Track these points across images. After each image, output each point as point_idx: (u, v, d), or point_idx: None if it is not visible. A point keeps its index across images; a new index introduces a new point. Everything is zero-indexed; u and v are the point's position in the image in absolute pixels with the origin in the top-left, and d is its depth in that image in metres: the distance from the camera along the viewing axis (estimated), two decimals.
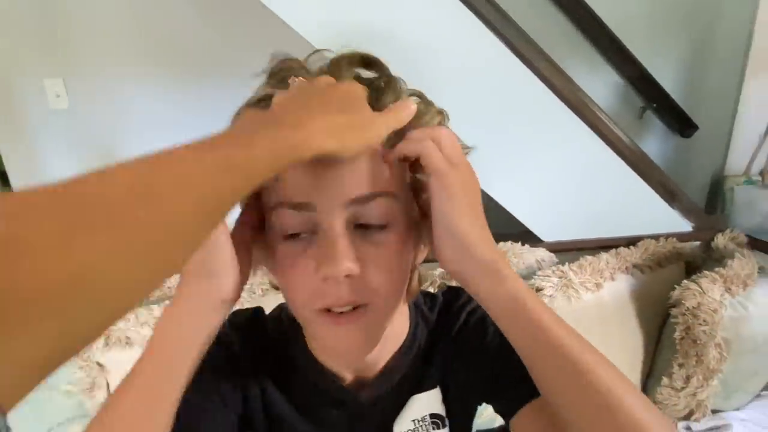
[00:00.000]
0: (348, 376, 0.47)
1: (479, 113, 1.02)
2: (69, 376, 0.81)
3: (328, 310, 0.37)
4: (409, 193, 0.38)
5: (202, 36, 1.79)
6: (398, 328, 0.47)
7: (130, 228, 0.19)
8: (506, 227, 1.17)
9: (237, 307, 0.40)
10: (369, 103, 0.34)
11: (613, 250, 1.01)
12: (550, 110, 1.06)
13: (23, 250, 0.16)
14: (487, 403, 0.48)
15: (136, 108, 1.83)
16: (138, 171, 0.21)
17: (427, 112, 0.39)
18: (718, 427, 0.92)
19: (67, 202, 0.18)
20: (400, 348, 0.47)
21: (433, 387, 0.48)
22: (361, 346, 0.39)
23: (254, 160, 0.25)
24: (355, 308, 0.37)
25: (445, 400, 0.48)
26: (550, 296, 0.88)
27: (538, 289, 0.89)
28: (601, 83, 2.00)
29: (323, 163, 0.32)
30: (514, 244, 1.02)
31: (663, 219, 1.16)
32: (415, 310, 0.50)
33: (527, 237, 1.10)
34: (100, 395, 0.81)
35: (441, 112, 0.40)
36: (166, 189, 0.21)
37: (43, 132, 1.93)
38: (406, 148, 0.35)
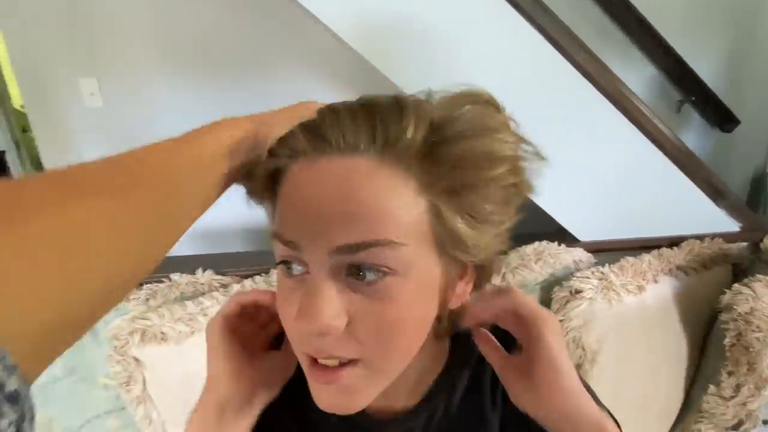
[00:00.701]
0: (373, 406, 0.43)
1: (511, 105, 0.99)
2: (106, 369, 0.83)
3: (315, 359, 0.33)
4: (430, 240, 0.33)
5: (230, 37, 1.81)
6: (432, 358, 0.44)
7: (107, 197, 0.23)
8: (539, 226, 1.13)
9: None
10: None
11: (656, 251, 0.97)
12: (586, 102, 1.02)
13: (33, 209, 0.19)
14: None
15: (166, 106, 1.87)
16: (107, 159, 0.26)
17: (491, 116, 0.34)
18: None
19: (61, 179, 0.23)
20: (437, 379, 0.44)
21: None
22: (348, 406, 0.35)
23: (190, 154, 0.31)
24: (343, 363, 0.33)
25: None
26: (590, 299, 0.85)
27: (577, 291, 0.85)
28: (636, 76, 1.93)
29: (311, 204, 0.31)
30: (550, 243, 0.98)
31: (708, 218, 1.10)
32: (456, 335, 0.45)
33: (562, 236, 1.06)
34: (136, 389, 0.82)
35: (502, 113, 0.36)
36: (135, 168, 0.26)
37: (79, 129, 1.99)
38: (496, 305, 0.37)
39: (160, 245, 0.27)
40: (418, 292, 0.33)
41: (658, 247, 0.99)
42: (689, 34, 1.91)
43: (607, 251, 1.02)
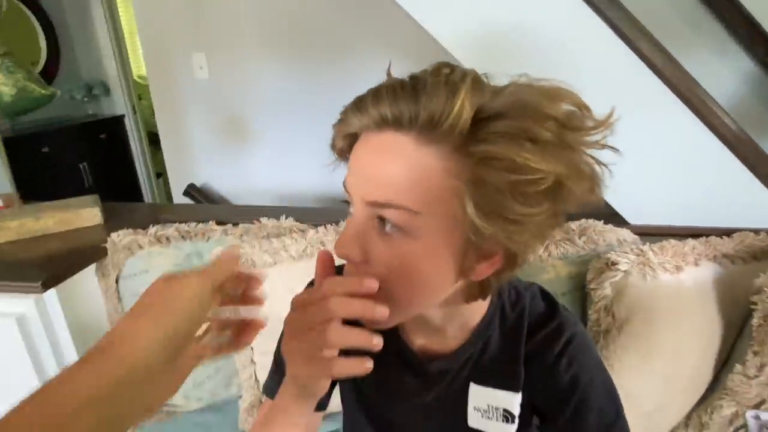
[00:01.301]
0: (418, 343, 0.55)
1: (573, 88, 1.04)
2: None
3: None
4: (448, 218, 0.39)
5: (324, 21, 1.98)
6: (471, 312, 0.52)
7: None
8: (593, 208, 1.17)
9: None
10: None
11: (703, 238, 0.99)
12: (648, 90, 1.05)
13: None
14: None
15: (265, 80, 2.09)
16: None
17: (539, 129, 0.37)
18: None
19: None
20: (474, 332, 0.53)
21: (516, 390, 0.52)
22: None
23: None
24: None
25: (522, 407, 0.53)
26: (625, 271, 0.90)
27: (613, 264, 0.91)
28: (730, 68, 1.83)
29: (360, 166, 0.41)
30: (596, 221, 1.03)
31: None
32: (498, 299, 0.54)
33: (613, 220, 1.10)
34: None
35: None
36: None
37: (188, 98, 2.27)
38: None
39: None
40: (425, 254, 0.40)
41: (707, 236, 1.00)
42: None
43: (653, 235, 1.05)
